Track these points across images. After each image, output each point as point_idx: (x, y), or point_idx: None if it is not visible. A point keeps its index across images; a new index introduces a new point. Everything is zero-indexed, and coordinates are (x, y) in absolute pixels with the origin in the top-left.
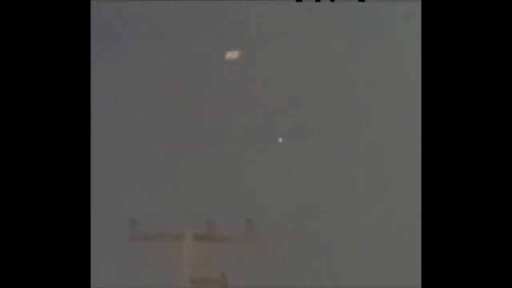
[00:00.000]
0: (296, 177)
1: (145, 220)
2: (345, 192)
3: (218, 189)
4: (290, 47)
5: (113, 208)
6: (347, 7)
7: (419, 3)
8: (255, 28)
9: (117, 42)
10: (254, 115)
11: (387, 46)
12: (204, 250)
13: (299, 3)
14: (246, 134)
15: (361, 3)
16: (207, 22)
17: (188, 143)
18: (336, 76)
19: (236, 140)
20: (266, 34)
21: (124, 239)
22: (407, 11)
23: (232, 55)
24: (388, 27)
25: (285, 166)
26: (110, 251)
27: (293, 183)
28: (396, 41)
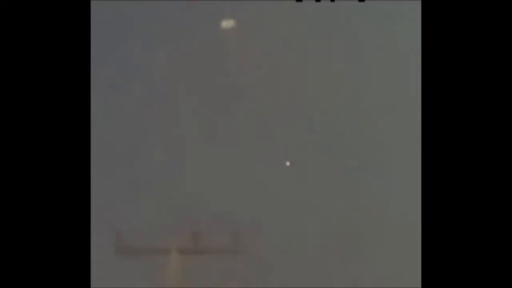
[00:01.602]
0: (285, 188)
1: (131, 233)
2: (336, 199)
3: (204, 201)
4: (290, 47)
5: (98, 219)
6: (347, 7)
7: (419, 3)
8: (255, 28)
9: (117, 42)
10: (246, 119)
11: (387, 46)
12: (190, 263)
13: (299, 3)
14: (237, 143)
15: (361, 3)
16: (207, 22)
17: (174, 153)
18: (336, 75)
19: (225, 148)
20: (266, 34)
21: (109, 252)
22: (407, 11)
23: (228, 23)
24: (388, 27)
25: (274, 175)
26: (94, 264)
27: (281, 193)
28: (396, 41)
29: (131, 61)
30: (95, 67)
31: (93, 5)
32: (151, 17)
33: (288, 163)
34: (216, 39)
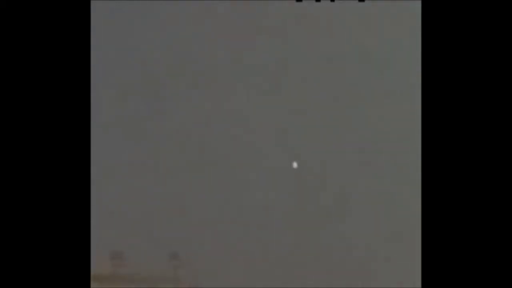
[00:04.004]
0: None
1: None
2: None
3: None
4: (289, 47)
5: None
6: (347, 7)
7: (419, 3)
8: (255, 28)
9: (117, 43)
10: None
11: (387, 46)
12: None
13: (299, 3)
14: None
15: (361, 3)
16: (206, 22)
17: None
18: (335, 76)
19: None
20: (265, 34)
21: None
22: (407, 11)
23: None
24: (388, 27)
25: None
26: None
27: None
28: (396, 41)
29: (131, 61)
30: (95, 67)
31: (93, 5)
32: (152, 17)
33: (295, 165)
34: (214, 40)
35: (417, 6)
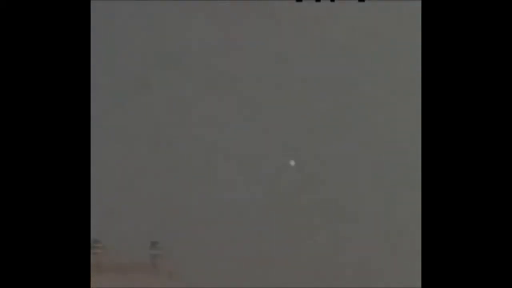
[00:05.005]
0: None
1: None
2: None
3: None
4: (289, 47)
5: None
6: (347, 7)
7: (419, 3)
8: (255, 28)
9: (117, 43)
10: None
11: (387, 46)
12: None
13: (299, 3)
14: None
15: (361, 3)
16: (206, 23)
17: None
18: (335, 76)
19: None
20: (265, 34)
21: None
22: (407, 11)
23: None
24: (388, 27)
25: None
26: None
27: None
28: (396, 41)
29: (131, 62)
30: (95, 68)
31: (93, 5)
32: (152, 17)
33: (292, 162)
34: (213, 40)
35: (417, 6)
